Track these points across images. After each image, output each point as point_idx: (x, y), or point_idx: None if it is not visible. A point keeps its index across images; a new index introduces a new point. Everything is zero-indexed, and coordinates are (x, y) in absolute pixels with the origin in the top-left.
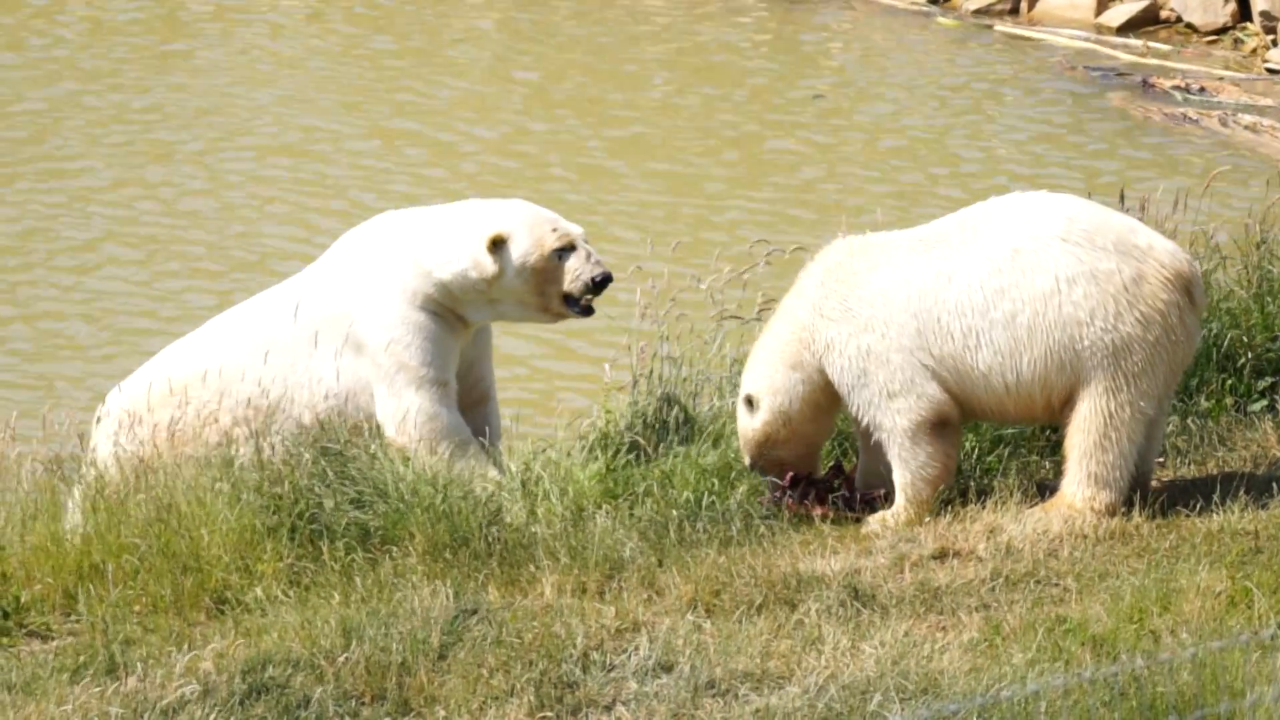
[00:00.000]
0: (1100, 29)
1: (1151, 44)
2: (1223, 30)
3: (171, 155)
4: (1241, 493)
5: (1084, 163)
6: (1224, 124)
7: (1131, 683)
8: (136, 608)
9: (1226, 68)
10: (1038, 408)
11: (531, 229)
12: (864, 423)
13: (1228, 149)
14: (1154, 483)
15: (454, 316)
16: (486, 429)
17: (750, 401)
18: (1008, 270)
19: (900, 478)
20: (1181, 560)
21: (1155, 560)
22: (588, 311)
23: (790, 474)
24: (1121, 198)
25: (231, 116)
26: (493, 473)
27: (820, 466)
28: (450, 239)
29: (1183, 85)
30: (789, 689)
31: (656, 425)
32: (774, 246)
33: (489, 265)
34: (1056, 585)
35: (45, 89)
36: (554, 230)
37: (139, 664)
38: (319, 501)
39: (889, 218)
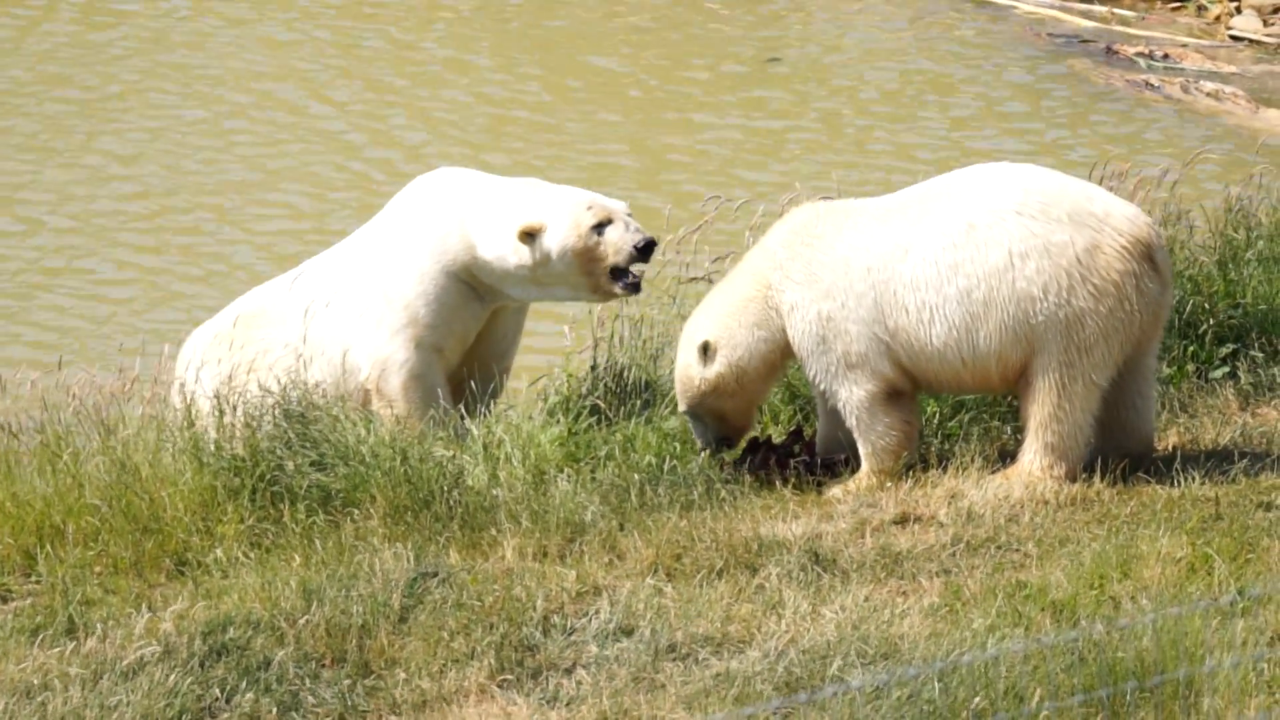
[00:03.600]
0: None
1: (1115, 10)
2: None
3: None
4: (1202, 459)
5: (1045, 130)
6: (1186, 91)
7: (1091, 648)
8: (97, 569)
9: (1190, 34)
10: (994, 379)
11: (568, 212)
12: (820, 388)
13: (1190, 116)
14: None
15: (487, 290)
16: (474, 387)
17: (706, 349)
18: (963, 245)
19: (862, 449)
20: (1142, 526)
21: (1116, 526)
22: (635, 288)
23: (750, 439)
24: (1093, 171)
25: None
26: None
27: (755, 423)
28: (496, 221)
29: (1146, 52)
30: (749, 653)
31: (617, 389)
32: (722, 199)
33: (526, 255)
34: (1017, 551)
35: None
36: (589, 209)
37: (99, 625)
38: (280, 464)
39: (844, 183)
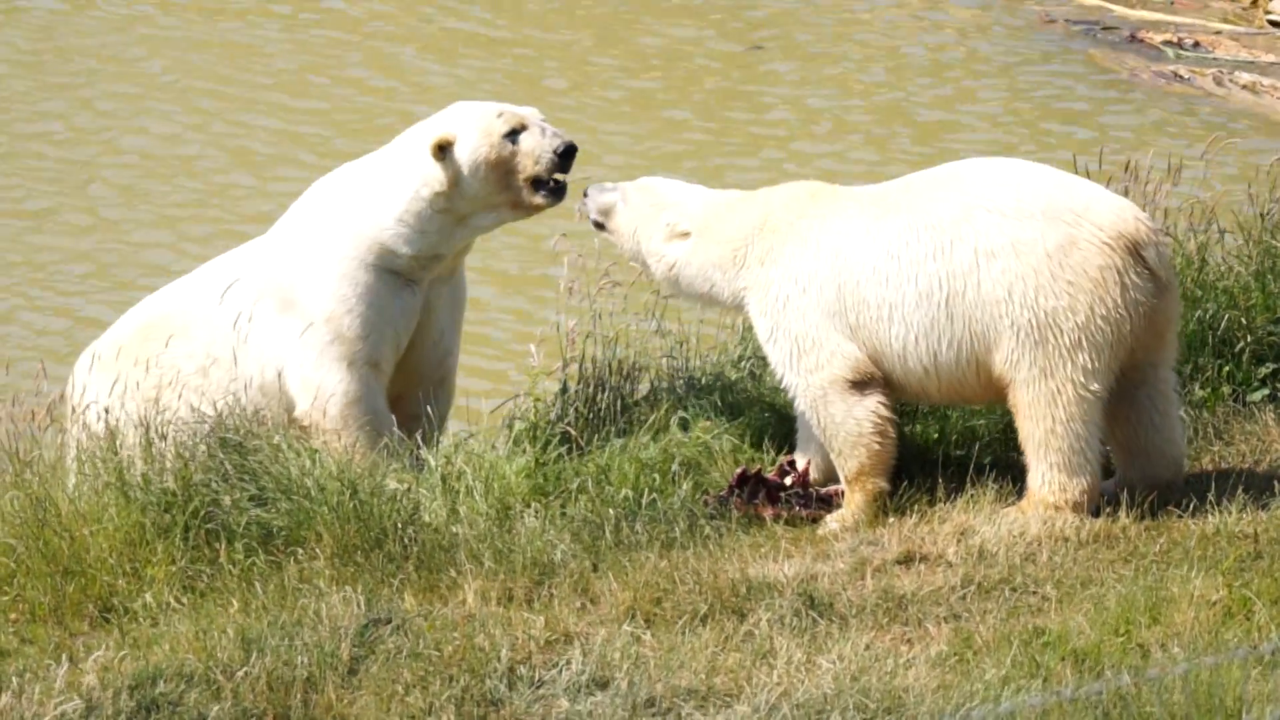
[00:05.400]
0: None
1: None
2: None
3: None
4: (1239, 491)
5: (1063, 127)
6: (1219, 83)
7: (1117, 702)
8: (12, 616)
9: (1224, 20)
10: (970, 391)
11: (477, 121)
12: (780, 383)
13: (1223, 112)
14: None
15: (410, 266)
16: (431, 411)
17: (682, 236)
18: (926, 241)
19: (830, 449)
20: (1173, 566)
21: (1144, 566)
22: (559, 193)
23: (739, 472)
24: (1101, 163)
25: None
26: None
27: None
28: (392, 168)
29: (1174, 40)
30: (737, 708)
31: (590, 414)
32: None
33: (439, 176)
34: (1034, 593)
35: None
36: (499, 115)
37: (14, 679)
38: (215, 498)
39: (841, 179)
